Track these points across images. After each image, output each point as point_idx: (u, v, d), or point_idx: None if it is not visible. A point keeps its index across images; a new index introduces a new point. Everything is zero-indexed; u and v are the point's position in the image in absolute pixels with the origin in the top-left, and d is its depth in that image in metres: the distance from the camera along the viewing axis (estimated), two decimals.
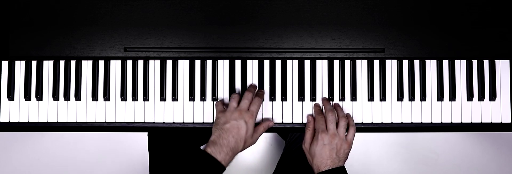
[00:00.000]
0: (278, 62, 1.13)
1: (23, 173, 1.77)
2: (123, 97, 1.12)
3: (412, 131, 1.14)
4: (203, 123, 1.12)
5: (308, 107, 1.13)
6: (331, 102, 1.12)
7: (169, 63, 1.13)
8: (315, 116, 1.09)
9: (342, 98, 1.12)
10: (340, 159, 1.03)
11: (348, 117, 1.09)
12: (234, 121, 0.99)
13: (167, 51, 1.13)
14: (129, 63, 1.13)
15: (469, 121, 1.13)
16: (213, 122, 1.11)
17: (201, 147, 0.99)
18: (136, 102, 1.13)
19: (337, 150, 1.03)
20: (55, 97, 1.13)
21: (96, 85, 1.13)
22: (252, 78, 1.13)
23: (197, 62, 1.13)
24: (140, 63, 1.13)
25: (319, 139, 1.03)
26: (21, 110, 1.13)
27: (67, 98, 1.13)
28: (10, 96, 1.13)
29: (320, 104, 1.12)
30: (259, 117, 1.12)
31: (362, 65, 1.13)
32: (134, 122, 1.13)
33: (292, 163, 1.28)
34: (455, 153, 1.77)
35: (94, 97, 1.13)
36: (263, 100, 1.10)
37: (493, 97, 1.13)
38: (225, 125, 0.99)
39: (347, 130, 1.07)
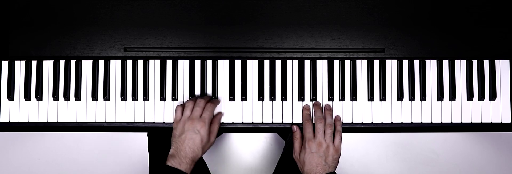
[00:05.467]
0: (278, 62, 1.13)
1: (23, 173, 1.77)
2: (123, 97, 1.12)
3: (412, 131, 1.14)
4: None
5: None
6: (322, 103, 1.12)
7: (169, 63, 1.13)
8: (303, 122, 1.10)
9: (342, 98, 1.12)
10: (330, 165, 1.05)
11: (336, 121, 1.10)
12: (188, 132, 1.02)
13: (167, 51, 1.12)
14: (129, 63, 1.13)
15: (469, 121, 1.13)
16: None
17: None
18: (136, 102, 1.13)
19: (325, 157, 1.05)
20: (55, 97, 1.13)
21: (96, 86, 1.13)
22: (252, 78, 1.13)
23: (197, 62, 1.13)
24: (140, 63, 1.13)
25: (307, 147, 1.06)
26: (21, 110, 1.13)
27: (67, 98, 1.13)
28: (10, 96, 1.13)
29: (310, 105, 1.12)
30: (257, 115, 1.12)
31: (362, 65, 1.13)
32: (134, 122, 1.13)
33: (292, 163, 1.28)
34: (455, 153, 1.77)
35: (94, 97, 1.13)
36: (218, 103, 1.11)
37: (493, 97, 1.13)
38: (180, 136, 1.03)
39: (334, 136, 1.07)
